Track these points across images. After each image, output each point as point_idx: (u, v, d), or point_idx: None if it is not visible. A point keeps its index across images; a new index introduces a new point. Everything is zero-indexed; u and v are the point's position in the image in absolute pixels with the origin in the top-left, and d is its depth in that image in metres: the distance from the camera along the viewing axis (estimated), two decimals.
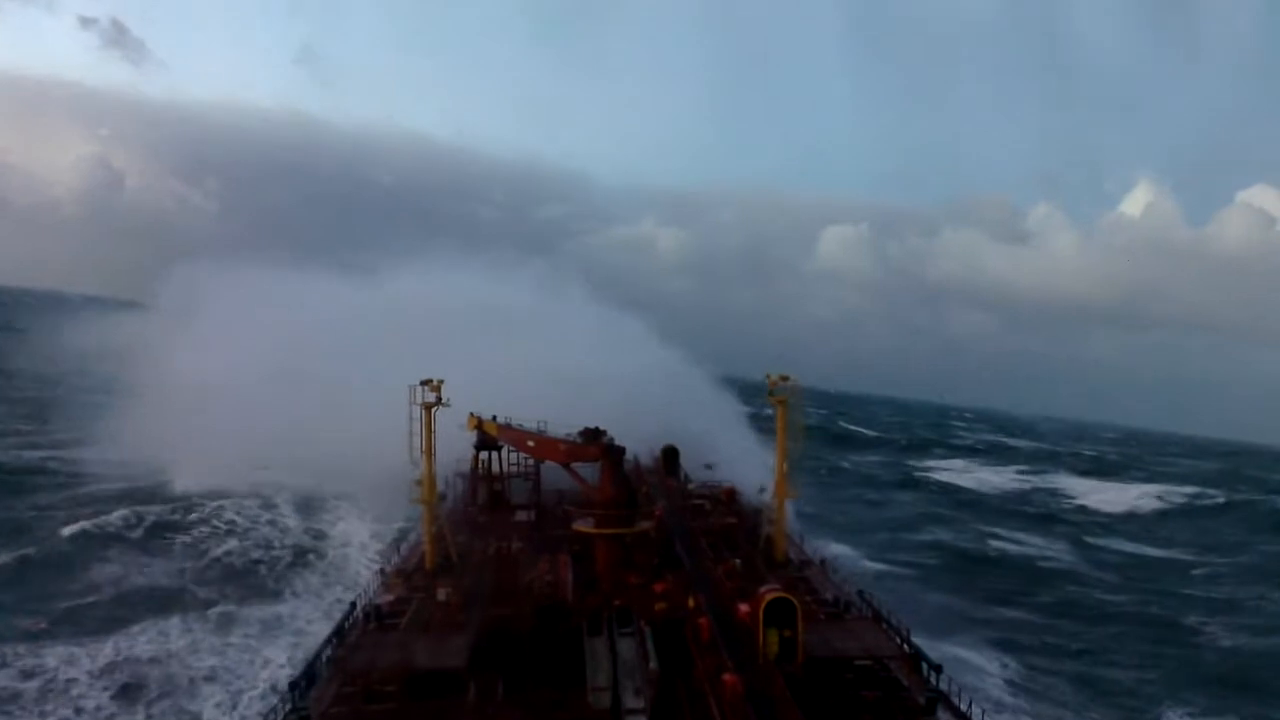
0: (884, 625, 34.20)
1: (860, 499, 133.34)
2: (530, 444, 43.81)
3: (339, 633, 35.65)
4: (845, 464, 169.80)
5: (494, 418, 46.87)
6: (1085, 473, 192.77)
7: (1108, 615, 75.40)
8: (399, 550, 46.60)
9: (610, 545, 37.17)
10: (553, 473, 46.71)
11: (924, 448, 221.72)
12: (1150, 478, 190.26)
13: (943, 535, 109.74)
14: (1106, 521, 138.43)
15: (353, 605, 38.59)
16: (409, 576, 42.37)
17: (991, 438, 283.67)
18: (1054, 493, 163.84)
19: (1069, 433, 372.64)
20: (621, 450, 38.85)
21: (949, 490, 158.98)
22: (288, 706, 29.97)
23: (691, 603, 33.92)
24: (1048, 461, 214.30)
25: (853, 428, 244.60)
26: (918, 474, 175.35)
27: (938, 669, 31.01)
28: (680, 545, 43.56)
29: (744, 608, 32.08)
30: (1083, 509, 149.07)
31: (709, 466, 64.73)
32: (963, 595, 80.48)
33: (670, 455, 64.13)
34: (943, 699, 29.62)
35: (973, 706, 29.47)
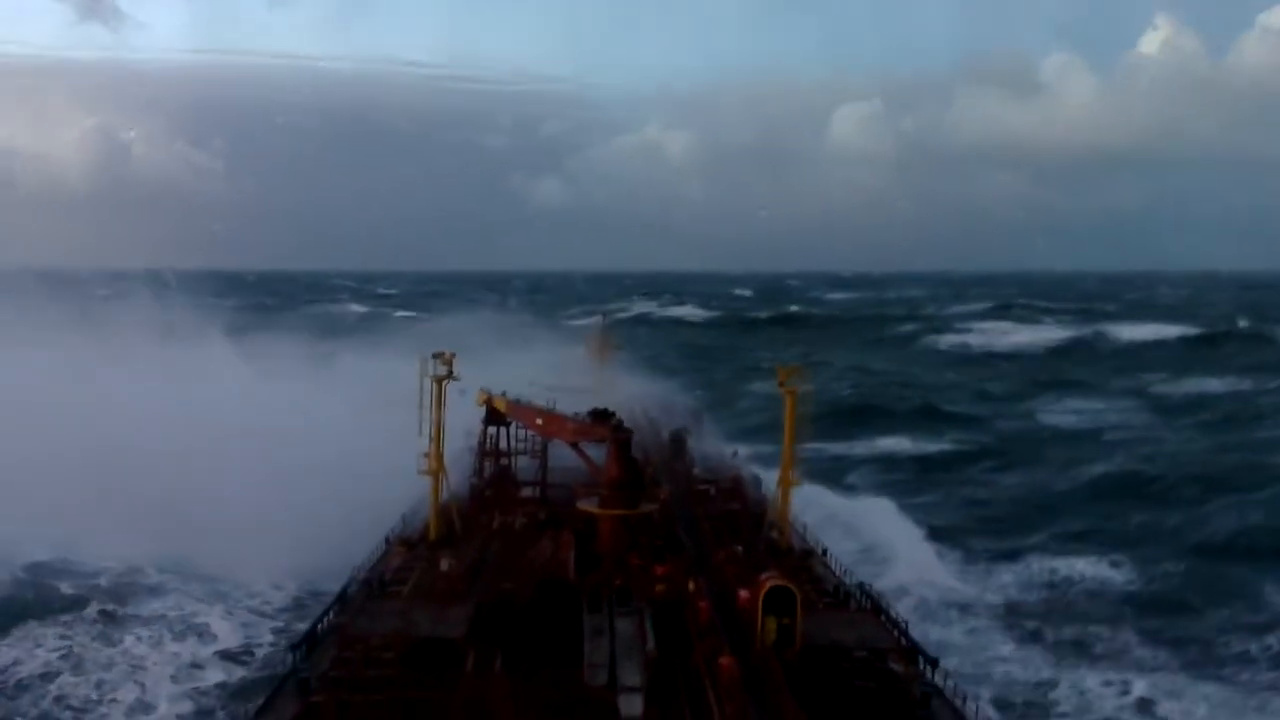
0: (883, 617, 34.25)
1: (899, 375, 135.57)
2: (538, 421, 43.94)
3: (340, 598, 35.99)
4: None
5: (503, 394, 47.10)
6: (1123, 319, 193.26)
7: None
8: (403, 520, 46.96)
9: (614, 525, 37.30)
10: (559, 452, 46.91)
11: (950, 318, 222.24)
12: (1192, 318, 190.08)
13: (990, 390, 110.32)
14: (1148, 363, 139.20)
15: (355, 572, 38.94)
16: (412, 546, 42.72)
17: (1023, 301, 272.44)
18: (1097, 338, 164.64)
19: (1100, 287, 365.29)
20: (629, 432, 38.96)
21: (983, 352, 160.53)
22: (287, 669, 30.36)
23: (692, 586, 34.03)
24: (1085, 315, 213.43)
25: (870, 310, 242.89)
26: (952, 338, 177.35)
27: (934, 663, 31.05)
28: (683, 529, 43.70)
29: (744, 594, 32.16)
30: (1124, 353, 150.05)
31: (735, 454, 64.38)
32: (1033, 469, 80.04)
33: (678, 439, 64.19)
34: (938, 693, 29.69)
35: (968, 703, 29.54)
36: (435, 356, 43.29)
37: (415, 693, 27.55)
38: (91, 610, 47.18)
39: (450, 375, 43.11)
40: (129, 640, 44.31)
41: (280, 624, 47.07)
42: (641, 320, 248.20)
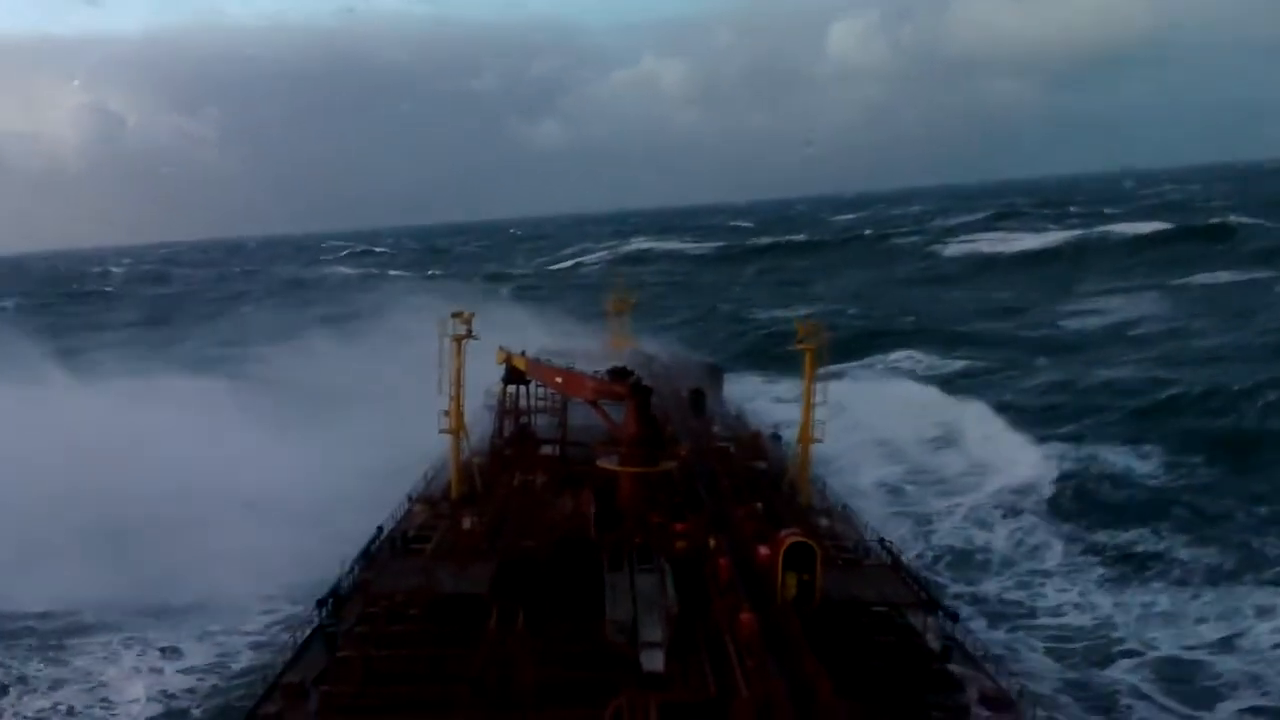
0: (902, 573, 34.38)
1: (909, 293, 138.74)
2: (558, 380, 44.00)
3: (365, 555, 36.53)
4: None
5: (523, 352, 47.22)
6: (1132, 218, 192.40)
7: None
8: (425, 478, 47.45)
9: (634, 483, 37.44)
10: (579, 410, 47.11)
11: (955, 230, 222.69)
12: (1196, 212, 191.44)
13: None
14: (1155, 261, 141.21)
15: (379, 529, 39.44)
16: (434, 504, 43.21)
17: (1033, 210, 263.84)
18: (1104, 238, 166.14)
19: (1107, 187, 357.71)
20: (649, 390, 38.96)
21: (990, 261, 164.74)
22: (314, 623, 30.91)
23: (712, 543, 34.19)
24: (1093, 217, 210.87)
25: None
26: (956, 249, 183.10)
27: (954, 618, 31.23)
28: (703, 486, 43.88)
29: (763, 550, 32.33)
30: (1132, 251, 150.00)
31: (739, 415, 65.35)
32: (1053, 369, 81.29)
33: (697, 397, 64.25)
34: (958, 647, 29.88)
35: (988, 658, 29.71)
36: (454, 316, 43.59)
37: (439, 648, 28.00)
38: (28, 641, 41.28)
39: (469, 334, 43.37)
40: (81, 661, 39.76)
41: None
42: (638, 258, 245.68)
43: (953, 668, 28.77)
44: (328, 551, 37.52)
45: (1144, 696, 35.28)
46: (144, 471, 53.68)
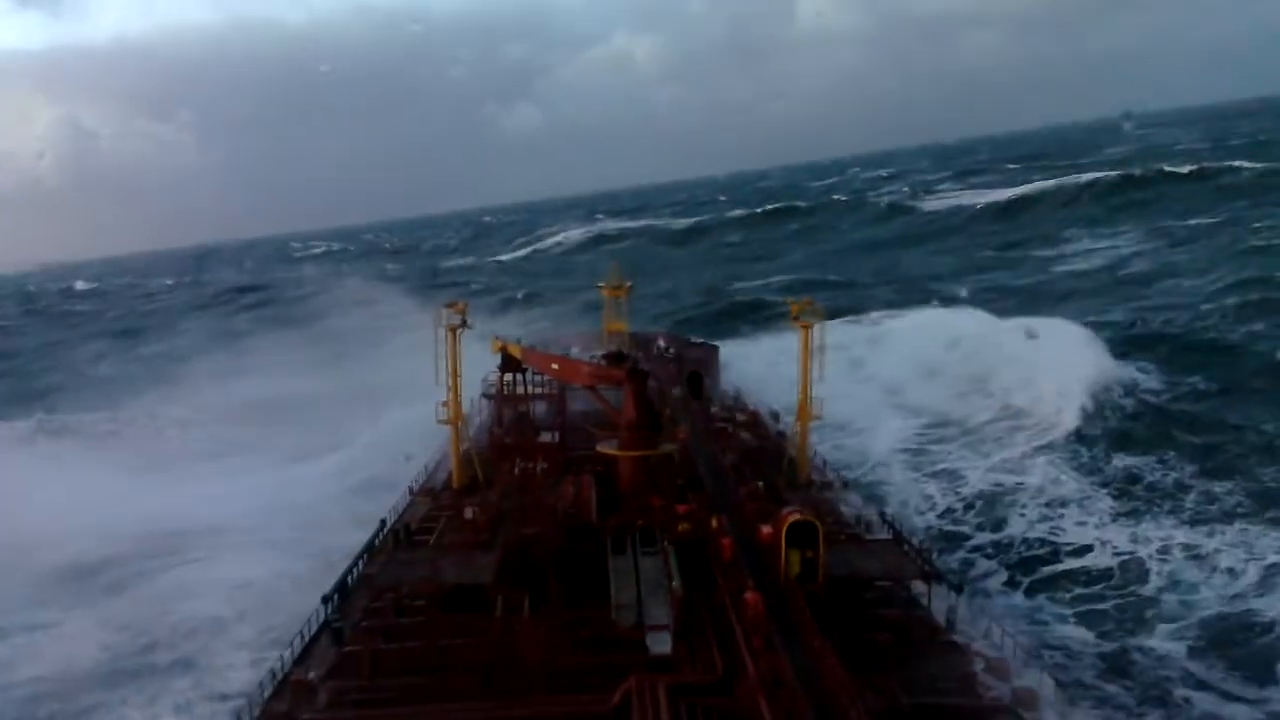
0: (904, 546, 34.50)
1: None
2: (554, 366, 43.98)
3: (369, 549, 36.55)
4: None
5: (518, 340, 47.17)
6: (1106, 166, 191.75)
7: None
8: (426, 469, 47.44)
9: (634, 467, 37.49)
10: (577, 396, 47.07)
11: (932, 185, 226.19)
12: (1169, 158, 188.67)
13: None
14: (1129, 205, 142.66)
15: (382, 523, 39.45)
16: (436, 495, 43.24)
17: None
18: (1079, 186, 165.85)
19: (1088, 135, 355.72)
20: (645, 373, 38.93)
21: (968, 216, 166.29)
22: (320, 619, 30.97)
23: (714, 524, 34.29)
24: (1070, 167, 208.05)
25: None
26: (934, 205, 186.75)
27: (958, 589, 31.35)
28: (703, 468, 43.94)
29: (766, 529, 32.42)
30: (1103, 198, 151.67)
31: (737, 395, 65.55)
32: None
33: (694, 379, 64.17)
34: (962, 616, 30.02)
35: (992, 626, 29.86)
36: (448, 306, 43.55)
37: (446, 639, 28.07)
38: None
39: (464, 324, 43.34)
40: None
41: None
42: (616, 236, 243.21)
43: (958, 638, 28.94)
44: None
45: (1202, 686, 32.19)
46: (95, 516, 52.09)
